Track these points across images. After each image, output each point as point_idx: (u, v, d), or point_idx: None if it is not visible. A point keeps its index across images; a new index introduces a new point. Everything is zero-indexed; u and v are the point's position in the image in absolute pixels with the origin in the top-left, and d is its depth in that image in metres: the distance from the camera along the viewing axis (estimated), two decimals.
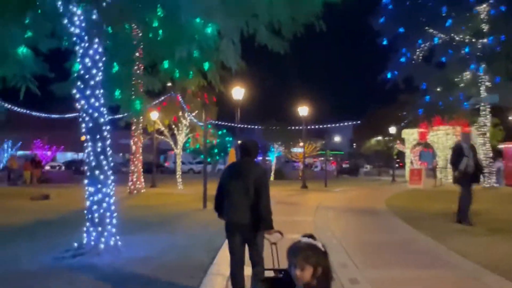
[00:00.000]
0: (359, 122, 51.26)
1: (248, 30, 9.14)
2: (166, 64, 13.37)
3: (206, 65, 12.48)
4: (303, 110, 23.06)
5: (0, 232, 8.98)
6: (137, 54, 12.50)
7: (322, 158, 66.02)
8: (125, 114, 14.03)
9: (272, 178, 36.34)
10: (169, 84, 18.79)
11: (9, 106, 19.77)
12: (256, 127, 50.60)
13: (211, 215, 5.17)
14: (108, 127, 7.36)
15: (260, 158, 55.63)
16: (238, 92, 15.82)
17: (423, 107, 24.17)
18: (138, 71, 13.21)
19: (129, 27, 10.89)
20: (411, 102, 26.14)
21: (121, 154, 55.68)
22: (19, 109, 21.59)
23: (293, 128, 38.61)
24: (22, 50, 9.39)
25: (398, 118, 33.20)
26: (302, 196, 18.59)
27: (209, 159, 48.49)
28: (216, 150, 48.66)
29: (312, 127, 39.42)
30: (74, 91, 7.28)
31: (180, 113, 24.15)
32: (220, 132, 44.49)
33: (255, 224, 4.06)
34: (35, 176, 25.15)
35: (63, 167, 37.54)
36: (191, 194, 17.96)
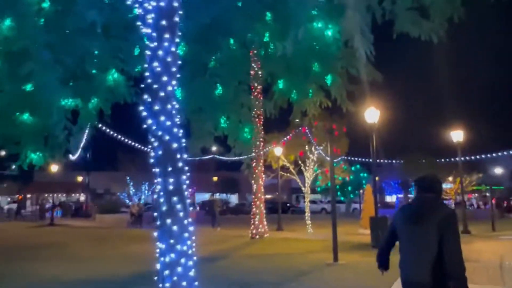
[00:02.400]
0: None
1: (383, 14, 6.32)
2: (281, 83, 11.24)
3: (328, 79, 9.95)
4: (456, 135, 18.56)
5: None
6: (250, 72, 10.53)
7: (477, 195, 56.45)
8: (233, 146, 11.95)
9: None
10: (297, 120, 16.64)
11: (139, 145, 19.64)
12: (394, 161, 45.70)
13: (345, 272, 5.04)
14: (185, 156, 5.17)
15: (401, 195, 49.99)
16: (372, 114, 12.74)
17: None
18: (251, 95, 11.12)
19: (233, 41, 8.99)
20: None
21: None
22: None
23: (442, 160, 33.08)
24: (113, 75, 8.08)
25: None
26: (469, 246, 14.09)
27: (342, 198, 45.20)
28: (350, 188, 45.21)
29: (468, 158, 33.18)
30: (141, 108, 5.32)
31: (307, 147, 21.75)
32: (353, 168, 40.86)
33: (441, 285, 3.04)
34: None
35: (198, 208, 37.97)
36: (321, 240, 15.12)
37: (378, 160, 47.04)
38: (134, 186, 32.10)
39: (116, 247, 14.79)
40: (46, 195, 39.58)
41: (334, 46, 8.05)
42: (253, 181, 17.29)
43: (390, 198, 54.51)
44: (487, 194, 44.99)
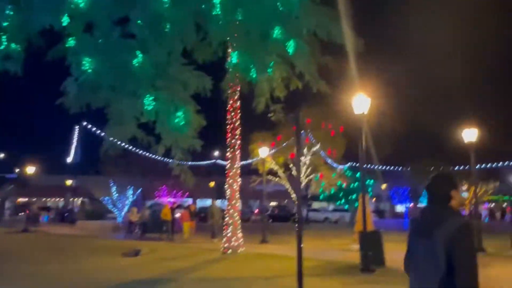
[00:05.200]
0: None
1: None
2: (234, 57, 8.67)
3: (291, 46, 7.39)
4: (469, 134, 15.67)
5: None
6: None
7: (492, 205, 52.71)
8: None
9: None
10: (272, 112, 14.05)
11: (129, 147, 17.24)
12: (402, 168, 42.77)
13: None
14: None
15: (411, 204, 46.77)
16: (360, 103, 10.05)
17: None
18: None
19: None
20: None
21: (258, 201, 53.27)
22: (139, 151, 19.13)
23: (456, 168, 30.17)
24: None
25: None
26: (484, 270, 11.21)
27: (346, 207, 42.33)
28: (354, 196, 42.27)
29: (484, 165, 30.04)
30: None
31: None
32: (358, 174, 37.88)
33: None
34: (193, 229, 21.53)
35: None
36: (306, 259, 12.38)
37: (385, 167, 44.13)
38: (118, 190, 29.80)
39: (68, 261, 12.48)
40: (33, 199, 37.66)
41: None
42: (226, 186, 14.68)
43: (401, 208, 51.34)
44: (505, 204, 41.91)
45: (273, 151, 20.06)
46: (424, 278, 2.66)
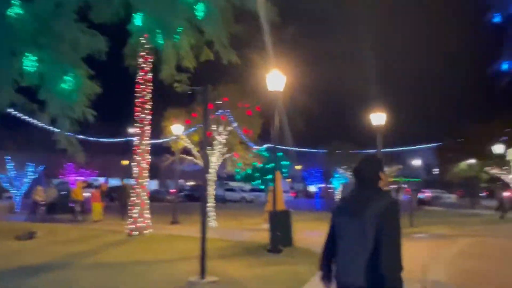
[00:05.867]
0: (442, 143, 42.63)
1: None
2: (138, 19, 7.80)
3: (200, 9, 6.75)
4: (378, 118, 16.30)
5: None
6: None
7: (395, 186, 57.04)
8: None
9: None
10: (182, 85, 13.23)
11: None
12: (316, 150, 44.28)
13: None
14: None
15: (322, 185, 48.82)
16: (275, 80, 9.74)
17: None
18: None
19: None
20: None
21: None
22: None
23: (364, 151, 31.67)
24: None
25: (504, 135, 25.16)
26: None
27: (262, 186, 42.99)
28: (270, 176, 43.04)
29: (388, 150, 31.92)
30: None
31: (216, 127, 18.59)
32: (267, 154, 38.54)
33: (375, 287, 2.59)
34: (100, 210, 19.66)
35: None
36: (216, 239, 12.06)
37: (300, 148, 45.26)
38: (15, 167, 26.94)
39: None
40: None
41: None
42: (135, 163, 13.73)
43: (313, 188, 53.42)
44: (405, 185, 45.19)
45: (192, 129, 19.35)
46: (353, 257, 2.68)
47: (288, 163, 42.85)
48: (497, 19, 16.53)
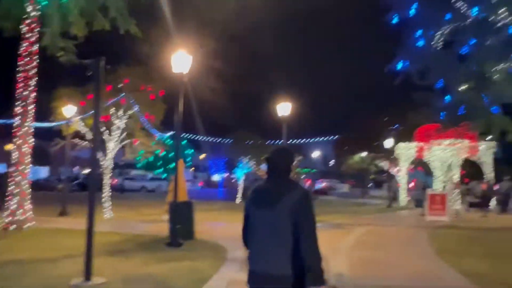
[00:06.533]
0: (338, 136, 45.30)
1: None
2: None
3: None
4: (283, 108, 16.35)
5: None
6: None
7: (296, 177, 59.82)
8: None
9: (239, 200, 29.58)
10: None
11: None
12: (222, 139, 44.11)
13: None
14: None
15: (226, 174, 48.84)
16: (180, 60, 8.97)
17: (445, 110, 18.02)
18: None
19: None
20: (426, 104, 20.04)
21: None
22: None
23: (270, 142, 32.14)
24: None
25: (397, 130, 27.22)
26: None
27: (165, 175, 41.62)
28: (173, 165, 41.80)
29: (294, 141, 32.81)
30: None
31: (114, 111, 17.14)
32: (170, 141, 37.50)
33: (297, 278, 2.66)
34: None
35: None
36: (110, 233, 11.01)
37: (205, 137, 44.55)
38: None
39: None
40: None
41: None
42: (13, 148, 11.94)
43: (217, 177, 53.21)
44: (303, 176, 47.07)
45: (88, 114, 17.62)
46: (270, 248, 2.68)
47: (192, 151, 41.96)
48: (395, 20, 17.51)
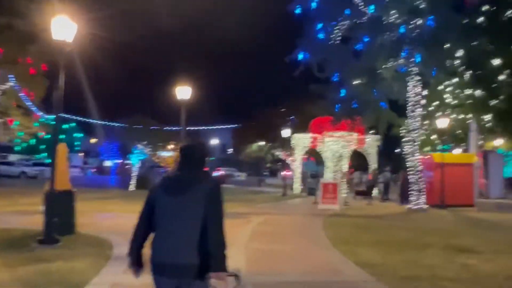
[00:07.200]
0: (238, 125, 45.53)
1: None
2: None
3: None
4: (183, 92, 15.48)
5: None
6: None
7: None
8: None
9: (133, 187, 28.00)
10: None
11: None
12: (116, 123, 41.44)
13: None
14: None
15: (120, 161, 46.02)
16: (61, 26, 7.64)
17: (340, 103, 18.76)
18: None
19: None
20: (323, 96, 20.70)
21: None
22: None
23: (166, 128, 30.80)
24: None
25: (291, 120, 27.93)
26: None
27: (49, 160, 37.97)
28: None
29: (192, 127, 31.85)
30: None
31: None
32: (65, 125, 34.32)
33: (204, 266, 2.70)
34: None
35: None
36: None
37: (98, 121, 41.42)
38: None
39: None
40: None
41: None
42: None
43: (109, 163, 49.98)
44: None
45: None
46: (180, 236, 2.72)
47: (82, 135, 38.71)
48: (298, 10, 17.63)
